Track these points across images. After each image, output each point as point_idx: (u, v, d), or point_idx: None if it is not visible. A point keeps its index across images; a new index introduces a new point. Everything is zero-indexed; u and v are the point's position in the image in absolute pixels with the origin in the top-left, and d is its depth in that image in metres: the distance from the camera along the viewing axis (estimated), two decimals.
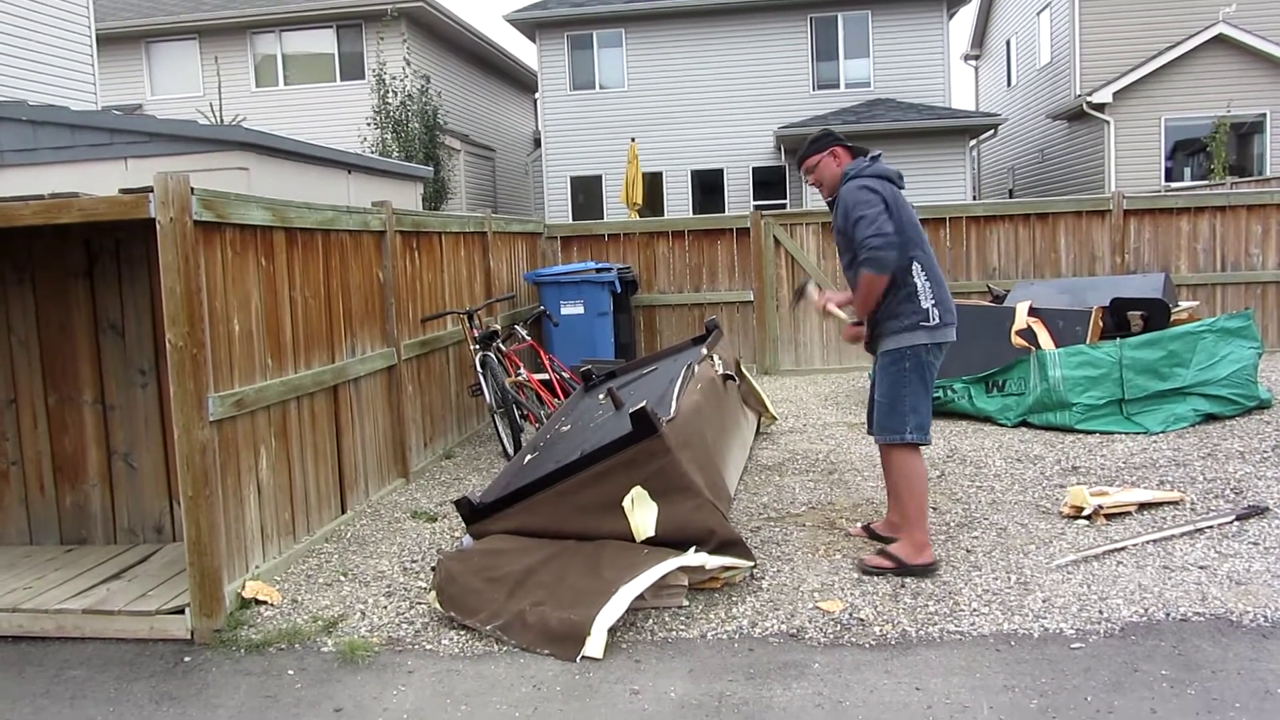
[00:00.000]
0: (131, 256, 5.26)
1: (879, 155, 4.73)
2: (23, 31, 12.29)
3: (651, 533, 4.38)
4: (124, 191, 4.32)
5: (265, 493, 4.91)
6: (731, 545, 4.42)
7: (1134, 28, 20.48)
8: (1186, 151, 20.20)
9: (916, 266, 4.53)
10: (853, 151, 4.77)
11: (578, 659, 3.84)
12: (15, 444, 5.47)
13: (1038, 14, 23.08)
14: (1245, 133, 19.98)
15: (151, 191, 4.17)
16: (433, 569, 4.69)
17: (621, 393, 5.70)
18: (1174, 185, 19.29)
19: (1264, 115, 19.69)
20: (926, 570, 4.51)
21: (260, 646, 4.15)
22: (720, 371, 6.50)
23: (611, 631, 3.96)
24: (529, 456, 5.47)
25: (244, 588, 4.57)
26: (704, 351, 6.52)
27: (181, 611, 4.30)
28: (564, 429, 5.87)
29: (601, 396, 6.18)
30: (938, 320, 4.52)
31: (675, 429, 4.62)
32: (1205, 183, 18.59)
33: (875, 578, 4.53)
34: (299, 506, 5.29)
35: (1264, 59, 19.30)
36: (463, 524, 4.99)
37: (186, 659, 4.11)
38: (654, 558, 4.20)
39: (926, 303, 4.51)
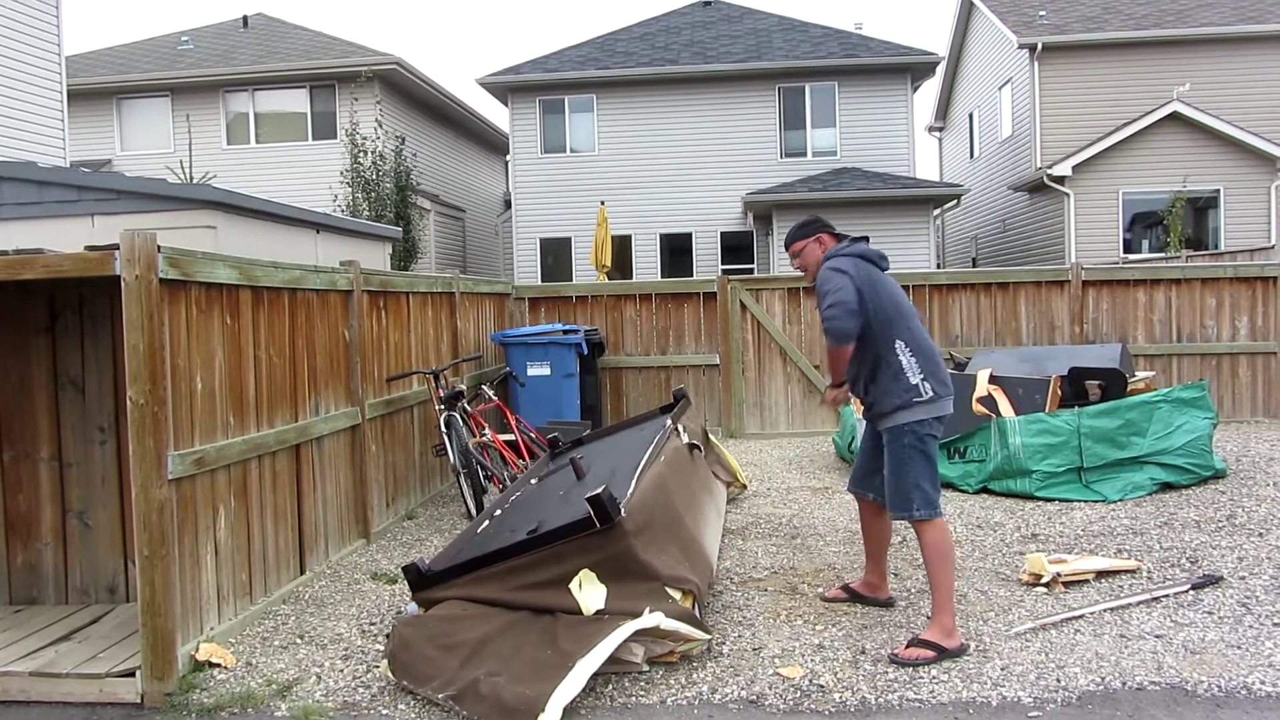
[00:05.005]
0: (95, 313, 5.24)
1: (864, 239, 4.80)
2: None
3: (601, 607, 4.31)
4: (90, 248, 4.31)
5: (223, 553, 4.85)
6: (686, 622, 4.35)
7: (1092, 104, 21.08)
8: (1144, 224, 20.69)
9: (900, 344, 4.56)
10: (837, 238, 4.87)
11: None
12: None
13: (999, 89, 23.69)
14: (1201, 207, 20.51)
15: (117, 249, 4.17)
16: (386, 635, 4.63)
17: (584, 462, 5.68)
18: (1132, 257, 19.70)
19: (1218, 191, 20.23)
20: (961, 653, 4.38)
21: (212, 711, 4.08)
22: (686, 441, 6.50)
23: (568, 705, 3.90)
24: (484, 525, 5.42)
25: (198, 650, 4.49)
26: (669, 423, 6.52)
27: (132, 674, 4.21)
28: (524, 497, 5.84)
29: (546, 475, 6.17)
30: (931, 394, 4.53)
31: (635, 509, 4.58)
32: (1162, 255, 19.01)
33: (836, 648, 4.53)
34: (257, 567, 5.23)
35: (1217, 136, 19.90)
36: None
37: None
38: (611, 625, 4.16)
39: (915, 378, 4.52)
